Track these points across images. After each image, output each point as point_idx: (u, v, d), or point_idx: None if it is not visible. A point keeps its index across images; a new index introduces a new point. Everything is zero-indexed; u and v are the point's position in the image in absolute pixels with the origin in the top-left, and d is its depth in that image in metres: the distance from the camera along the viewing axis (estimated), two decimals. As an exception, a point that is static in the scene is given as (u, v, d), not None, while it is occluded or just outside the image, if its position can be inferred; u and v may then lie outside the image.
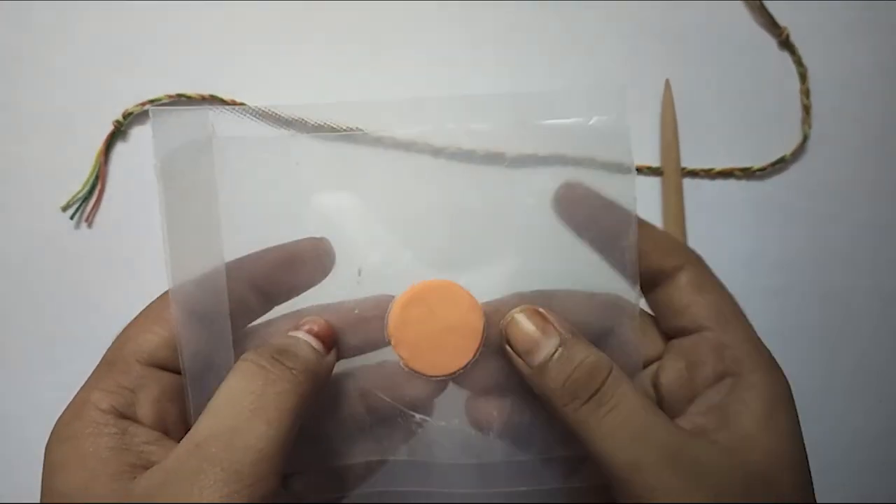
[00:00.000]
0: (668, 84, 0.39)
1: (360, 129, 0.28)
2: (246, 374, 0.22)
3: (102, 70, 0.38)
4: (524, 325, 0.24)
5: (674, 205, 0.38)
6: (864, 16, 0.41)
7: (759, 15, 0.41)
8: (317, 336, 0.24)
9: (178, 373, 0.23)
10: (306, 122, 0.39)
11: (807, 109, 0.40)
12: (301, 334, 0.24)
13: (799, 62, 0.40)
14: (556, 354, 0.23)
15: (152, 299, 0.35)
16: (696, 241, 0.38)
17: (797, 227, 0.39)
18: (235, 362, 0.23)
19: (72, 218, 0.36)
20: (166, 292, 0.24)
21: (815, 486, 0.38)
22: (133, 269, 0.36)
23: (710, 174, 0.39)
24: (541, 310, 0.25)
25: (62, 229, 0.36)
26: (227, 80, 0.38)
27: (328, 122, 0.36)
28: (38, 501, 0.21)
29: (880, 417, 0.39)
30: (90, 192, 0.36)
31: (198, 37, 0.39)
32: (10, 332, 0.35)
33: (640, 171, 0.39)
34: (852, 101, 0.40)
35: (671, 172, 0.38)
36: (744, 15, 0.41)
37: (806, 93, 0.40)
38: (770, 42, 0.41)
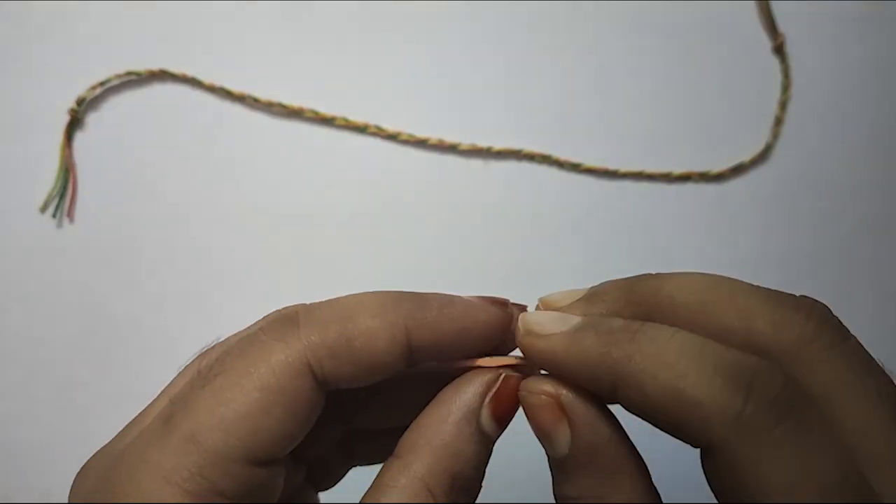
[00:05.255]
0: None
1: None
2: None
3: (42, 61, 0.37)
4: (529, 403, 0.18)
5: None
6: (863, 47, 0.40)
7: (763, 15, 0.40)
8: (498, 419, 0.18)
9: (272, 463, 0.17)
10: (255, 98, 0.39)
11: (778, 120, 0.39)
12: (486, 419, 0.18)
13: (786, 73, 0.39)
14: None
15: (150, 285, 0.37)
16: (651, 243, 0.38)
17: (751, 232, 0.39)
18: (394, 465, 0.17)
19: (53, 216, 0.37)
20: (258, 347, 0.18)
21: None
22: (124, 255, 0.37)
23: (668, 178, 0.38)
24: (552, 389, 0.17)
25: (46, 230, 0.36)
26: (173, 56, 0.37)
27: (279, 101, 0.35)
28: None
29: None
30: (64, 188, 0.37)
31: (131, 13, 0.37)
32: (14, 341, 0.36)
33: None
34: (824, 122, 0.40)
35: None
36: (749, 14, 0.40)
37: (783, 104, 0.39)
38: (765, 45, 0.40)
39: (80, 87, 0.36)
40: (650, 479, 0.18)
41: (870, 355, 0.17)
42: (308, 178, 0.37)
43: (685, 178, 0.39)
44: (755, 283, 0.19)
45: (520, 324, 0.18)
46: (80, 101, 0.37)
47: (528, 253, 0.38)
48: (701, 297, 0.18)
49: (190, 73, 0.37)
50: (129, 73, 0.37)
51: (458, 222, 0.38)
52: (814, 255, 0.39)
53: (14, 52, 0.37)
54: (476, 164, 0.38)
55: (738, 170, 0.39)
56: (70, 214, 0.37)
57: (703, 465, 0.16)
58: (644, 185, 0.39)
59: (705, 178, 0.39)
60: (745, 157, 0.39)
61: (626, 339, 0.16)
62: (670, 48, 0.39)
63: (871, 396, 0.16)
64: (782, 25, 0.40)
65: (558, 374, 0.18)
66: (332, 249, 0.37)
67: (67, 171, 0.37)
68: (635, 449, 0.18)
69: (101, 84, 0.37)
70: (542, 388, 0.18)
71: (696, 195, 0.39)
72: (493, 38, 0.39)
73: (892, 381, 0.17)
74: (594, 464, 0.17)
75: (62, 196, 0.37)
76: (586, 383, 0.17)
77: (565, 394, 0.17)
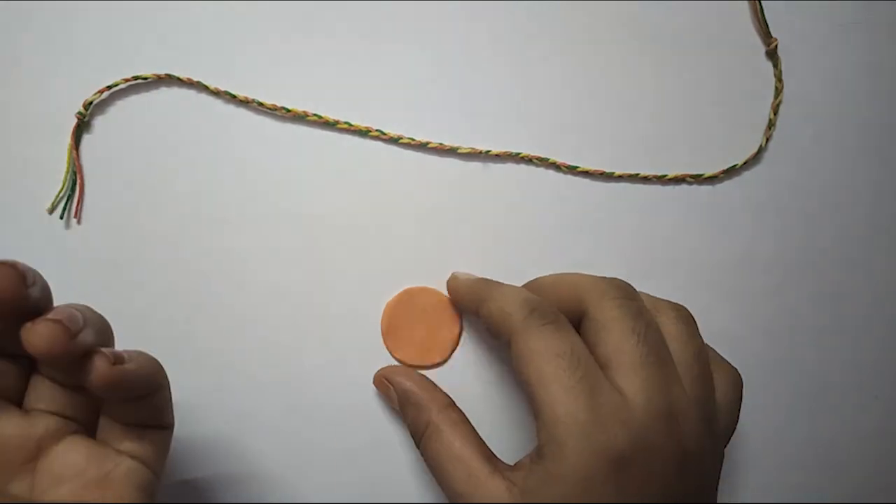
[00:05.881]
0: None
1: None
2: None
3: (49, 66, 0.38)
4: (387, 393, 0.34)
5: None
6: (855, 52, 0.41)
7: (756, 20, 0.40)
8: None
9: None
10: (260, 102, 0.39)
11: (771, 123, 0.40)
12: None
13: (779, 77, 0.40)
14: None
15: (157, 286, 0.37)
16: (646, 243, 0.39)
17: (743, 233, 0.40)
18: None
19: (61, 218, 0.37)
20: None
21: (812, 487, 0.40)
22: (130, 256, 0.37)
23: (662, 180, 0.39)
24: (385, 379, 0.34)
25: (54, 231, 0.37)
26: (179, 60, 0.38)
27: (280, 105, 0.35)
28: None
29: (877, 416, 0.40)
30: (72, 190, 0.37)
31: (138, 16, 0.38)
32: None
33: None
34: (816, 125, 0.41)
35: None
36: (742, 19, 0.41)
37: (776, 108, 0.40)
38: (758, 49, 0.41)
39: (88, 91, 0.37)
40: (449, 403, 0.32)
41: (640, 308, 0.28)
42: (311, 180, 0.38)
43: (679, 180, 0.39)
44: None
45: (452, 273, 0.36)
46: (87, 105, 0.37)
47: (527, 252, 0.38)
48: (553, 280, 0.32)
49: (196, 77, 0.38)
50: (135, 78, 0.37)
51: (458, 223, 0.38)
52: (805, 256, 0.40)
53: (21, 57, 0.38)
54: (475, 166, 0.39)
55: (730, 172, 0.40)
56: (78, 216, 0.37)
57: (509, 355, 0.28)
58: (639, 187, 0.39)
59: (698, 180, 0.40)
60: (738, 159, 0.40)
61: (492, 286, 0.32)
62: (665, 53, 0.40)
63: (629, 330, 0.27)
64: (775, 30, 0.40)
65: (456, 299, 0.35)
66: (334, 250, 0.38)
67: (75, 174, 0.37)
68: (436, 389, 0.33)
69: (108, 88, 0.37)
70: (378, 374, 0.35)
71: (690, 197, 0.40)
72: (493, 44, 0.39)
73: (650, 324, 0.28)
74: (409, 402, 0.32)
75: (70, 198, 0.37)
76: (466, 303, 0.34)
77: (387, 373, 0.34)
